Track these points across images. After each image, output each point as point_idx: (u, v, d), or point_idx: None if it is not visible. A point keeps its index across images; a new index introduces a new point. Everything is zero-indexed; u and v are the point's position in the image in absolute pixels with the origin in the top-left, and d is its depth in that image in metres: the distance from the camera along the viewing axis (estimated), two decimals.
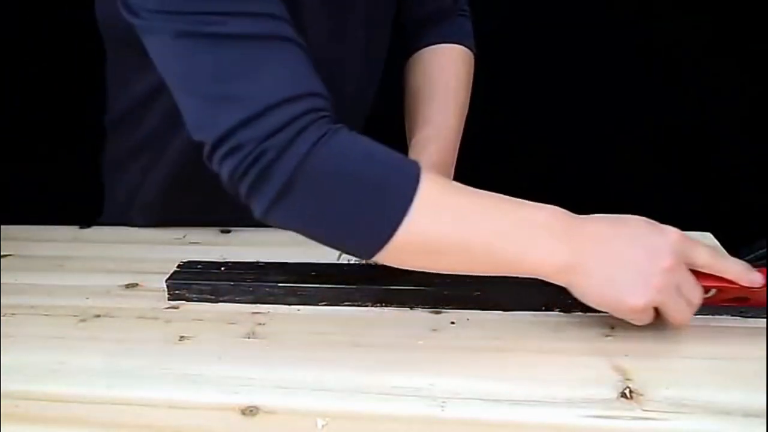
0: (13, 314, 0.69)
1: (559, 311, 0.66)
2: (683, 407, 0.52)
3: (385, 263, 0.59)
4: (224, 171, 0.57)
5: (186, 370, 0.59)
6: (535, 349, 0.60)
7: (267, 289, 0.69)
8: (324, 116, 0.57)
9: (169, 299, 0.70)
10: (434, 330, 0.64)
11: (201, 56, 0.56)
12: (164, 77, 0.60)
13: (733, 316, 0.64)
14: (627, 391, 0.54)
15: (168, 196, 0.87)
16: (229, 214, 0.86)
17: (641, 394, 0.54)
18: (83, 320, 0.68)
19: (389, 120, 0.87)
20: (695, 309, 0.57)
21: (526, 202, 0.59)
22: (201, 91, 0.57)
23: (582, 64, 1.47)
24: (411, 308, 0.67)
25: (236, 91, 0.56)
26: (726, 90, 1.46)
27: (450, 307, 0.67)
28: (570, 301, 0.65)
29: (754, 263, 0.64)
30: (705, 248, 0.58)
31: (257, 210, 0.57)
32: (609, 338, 0.61)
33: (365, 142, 0.59)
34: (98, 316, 0.69)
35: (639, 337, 0.61)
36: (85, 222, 0.91)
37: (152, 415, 0.54)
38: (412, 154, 0.81)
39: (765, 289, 0.59)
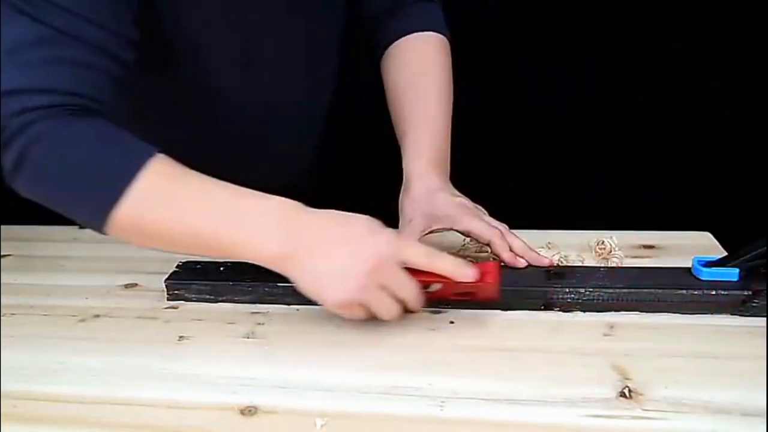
0: (12, 314, 0.70)
1: (558, 311, 0.65)
2: (682, 406, 0.52)
3: (120, 238, 0.63)
4: None
5: (185, 370, 0.59)
6: (534, 348, 0.60)
7: (266, 289, 0.69)
8: (72, 109, 0.61)
9: (168, 299, 0.70)
10: (433, 330, 0.64)
11: (16, 22, 0.60)
12: None
13: (732, 315, 0.64)
14: (626, 391, 0.54)
15: None
16: None
17: (640, 394, 0.54)
18: (82, 320, 0.68)
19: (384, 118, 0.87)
20: (410, 304, 0.61)
21: (255, 192, 0.62)
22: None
23: (582, 62, 1.47)
24: None
25: (9, 68, 0.60)
26: (727, 90, 1.45)
27: (449, 306, 0.67)
28: (570, 300, 0.65)
29: (750, 262, 0.64)
30: (417, 249, 0.61)
31: (6, 178, 0.62)
32: (608, 338, 0.61)
33: (100, 129, 0.62)
34: (97, 316, 0.69)
35: (638, 336, 0.61)
36: None
37: (151, 414, 0.54)
38: (408, 154, 0.79)
39: (490, 284, 0.63)
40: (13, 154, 0.60)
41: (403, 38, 0.86)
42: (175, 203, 0.61)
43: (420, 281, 0.61)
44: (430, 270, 0.61)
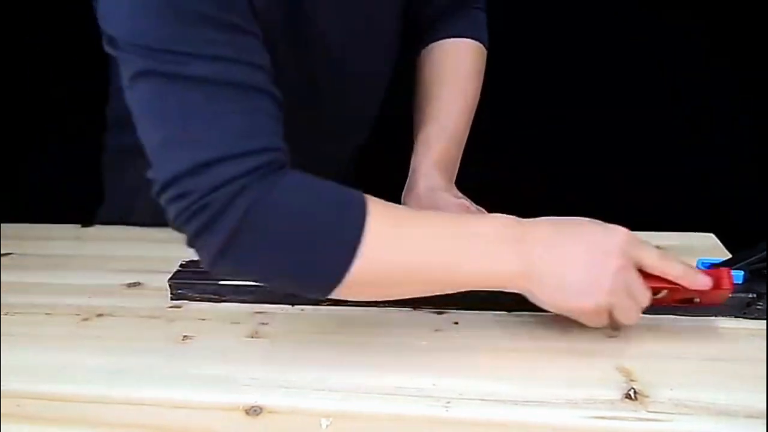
0: (14, 313, 0.69)
1: None
2: (687, 408, 0.52)
3: (343, 298, 0.59)
4: (170, 213, 0.56)
5: (189, 370, 0.59)
6: (540, 349, 0.60)
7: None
8: (272, 169, 0.56)
9: (171, 299, 0.70)
10: (437, 330, 0.64)
11: (163, 95, 0.55)
12: (131, 109, 0.58)
13: (736, 317, 0.64)
14: (631, 392, 0.54)
15: None
16: None
17: (646, 395, 0.54)
18: (85, 319, 0.68)
19: (398, 118, 0.87)
20: (642, 309, 0.58)
21: (472, 216, 0.60)
22: (159, 129, 0.56)
23: (585, 64, 1.47)
24: (414, 309, 0.67)
25: (190, 136, 0.54)
26: (727, 91, 1.46)
27: (453, 307, 0.67)
28: None
29: (755, 265, 0.64)
30: (653, 249, 0.58)
31: (204, 260, 0.56)
32: (613, 339, 0.61)
33: (309, 184, 0.58)
34: (101, 315, 0.68)
35: (643, 338, 0.61)
36: (86, 220, 0.91)
37: (155, 414, 0.54)
38: (418, 150, 0.80)
39: (714, 290, 0.58)
40: (221, 235, 0.53)
41: (443, 41, 0.87)
42: (408, 245, 0.57)
43: (650, 287, 0.57)
44: (662, 274, 0.57)
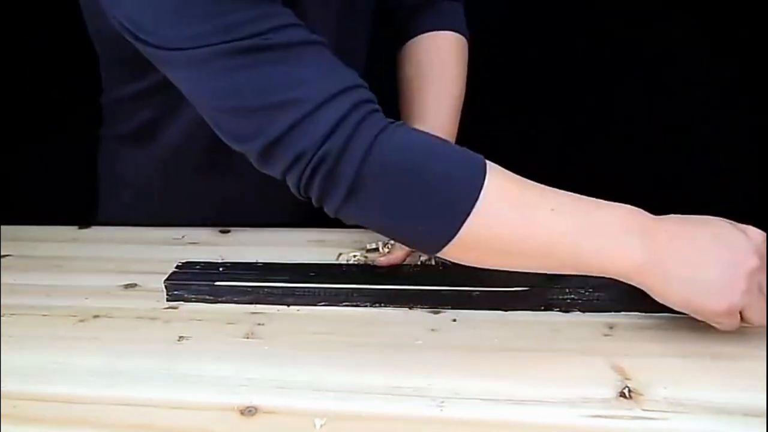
0: (12, 314, 0.69)
1: (558, 311, 0.65)
2: (682, 407, 0.52)
3: (455, 260, 0.58)
4: (290, 183, 0.57)
5: (185, 371, 0.59)
6: (534, 348, 0.60)
7: (266, 290, 0.69)
8: (374, 109, 0.57)
9: (167, 300, 0.70)
10: (433, 330, 0.64)
11: (239, 74, 0.55)
12: (196, 103, 0.59)
13: None
14: (626, 391, 0.54)
15: (162, 186, 0.87)
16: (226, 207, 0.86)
17: (640, 394, 0.53)
18: (82, 320, 0.68)
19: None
20: None
21: (601, 200, 0.57)
22: (244, 106, 0.56)
23: (585, 63, 1.47)
24: (410, 308, 0.67)
25: (282, 97, 0.55)
26: (727, 91, 1.45)
27: (449, 306, 0.67)
28: (569, 300, 0.65)
29: None
30: None
31: (329, 211, 0.57)
32: (608, 338, 0.61)
33: (426, 136, 0.59)
34: (97, 316, 0.69)
35: (638, 336, 0.61)
36: (84, 222, 0.91)
37: (151, 415, 0.54)
38: None
39: None
40: (344, 182, 0.55)
41: (424, 34, 0.87)
42: (528, 213, 0.56)
43: None
44: None
